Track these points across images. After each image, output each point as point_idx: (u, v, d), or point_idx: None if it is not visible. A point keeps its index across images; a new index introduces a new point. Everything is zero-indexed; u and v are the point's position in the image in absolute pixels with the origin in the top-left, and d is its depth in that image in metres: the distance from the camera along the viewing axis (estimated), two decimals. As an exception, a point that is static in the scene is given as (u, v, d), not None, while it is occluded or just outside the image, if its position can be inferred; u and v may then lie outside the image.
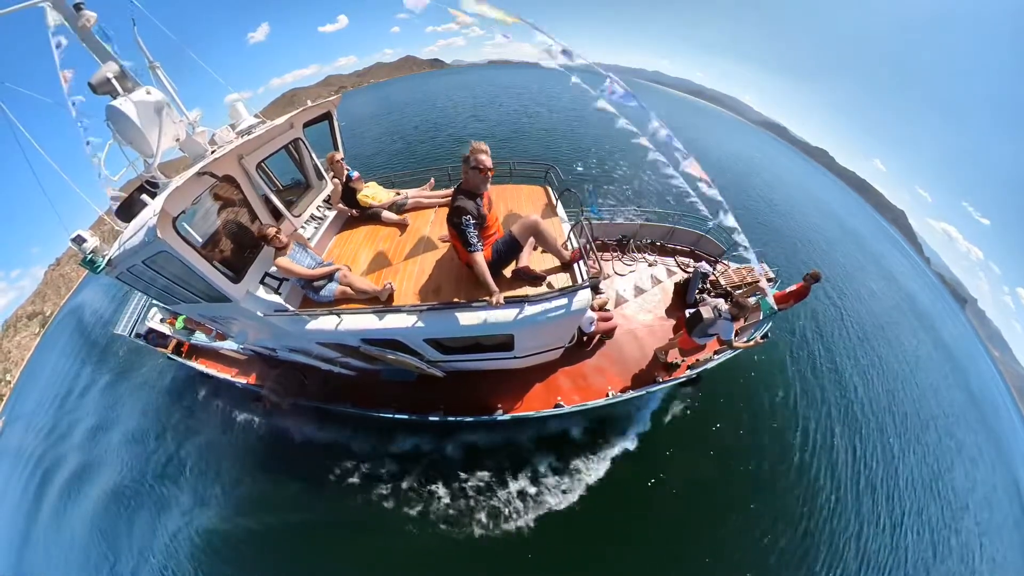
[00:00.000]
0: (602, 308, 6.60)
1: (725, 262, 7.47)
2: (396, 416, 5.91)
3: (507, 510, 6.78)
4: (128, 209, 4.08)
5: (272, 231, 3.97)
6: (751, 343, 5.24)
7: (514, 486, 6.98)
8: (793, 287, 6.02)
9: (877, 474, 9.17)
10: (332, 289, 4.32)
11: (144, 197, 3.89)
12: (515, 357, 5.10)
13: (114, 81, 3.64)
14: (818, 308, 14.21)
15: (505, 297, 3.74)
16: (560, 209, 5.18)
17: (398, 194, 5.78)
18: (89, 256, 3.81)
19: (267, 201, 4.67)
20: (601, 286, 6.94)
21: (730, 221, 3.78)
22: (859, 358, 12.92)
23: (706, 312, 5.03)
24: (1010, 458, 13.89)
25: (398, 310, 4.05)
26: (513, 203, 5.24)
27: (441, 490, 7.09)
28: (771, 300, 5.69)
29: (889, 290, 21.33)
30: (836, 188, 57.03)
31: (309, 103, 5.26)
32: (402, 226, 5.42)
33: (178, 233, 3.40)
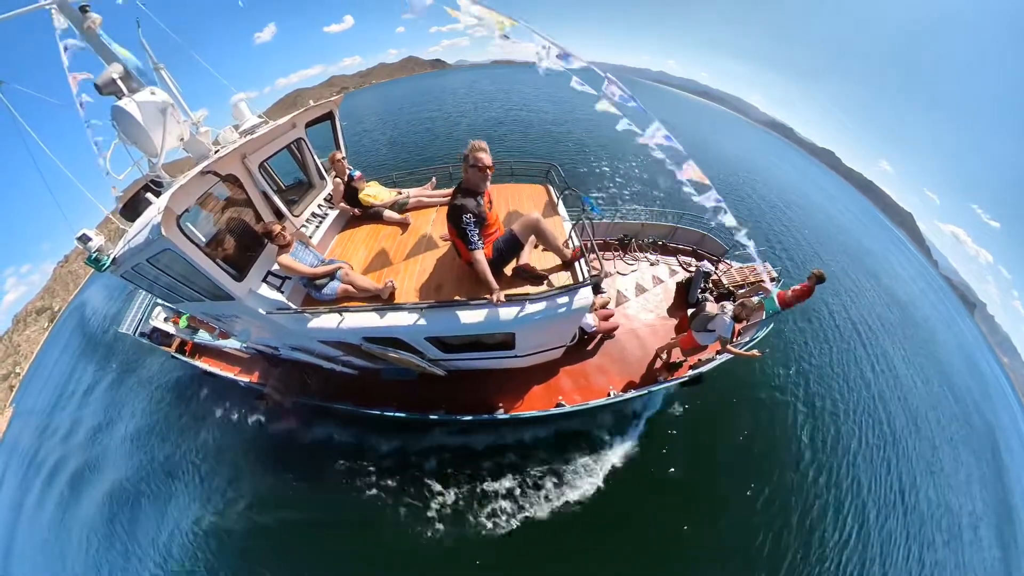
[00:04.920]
0: (604, 307, 6.59)
1: (727, 261, 7.44)
2: (397, 415, 5.93)
3: (507, 510, 6.78)
4: (133, 208, 4.11)
5: (277, 228, 4.00)
6: (746, 352, 5.15)
7: (514, 486, 6.98)
8: (797, 287, 5.98)
9: (880, 477, 9.11)
10: (334, 287, 4.35)
11: (149, 196, 3.93)
12: (516, 356, 5.10)
13: (119, 82, 3.68)
14: (823, 309, 14.11)
15: (506, 295, 3.74)
16: (561, 208, 5.18)
17: (399, 193, 5.80)
18: (94, 254, 3.84)
19: (269, 200, 4.71)
20: (603, 285, 6.92)
21: (731, 221, 3.77)
22: (864, 360, 12.81)
23: (711, 307, 5.02)
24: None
25: (400, 308, 4.07)
26: (514, 202, 5.25)
27: (441, 489, 7.10)
28: (775, 299, 5.66)
29: (895, 294, 21.13)
30: (842, 190, 56.50)
31: (312, 103, 5.29)
32: (403, 225, 5.43)
33: (182, 231, 3.43)
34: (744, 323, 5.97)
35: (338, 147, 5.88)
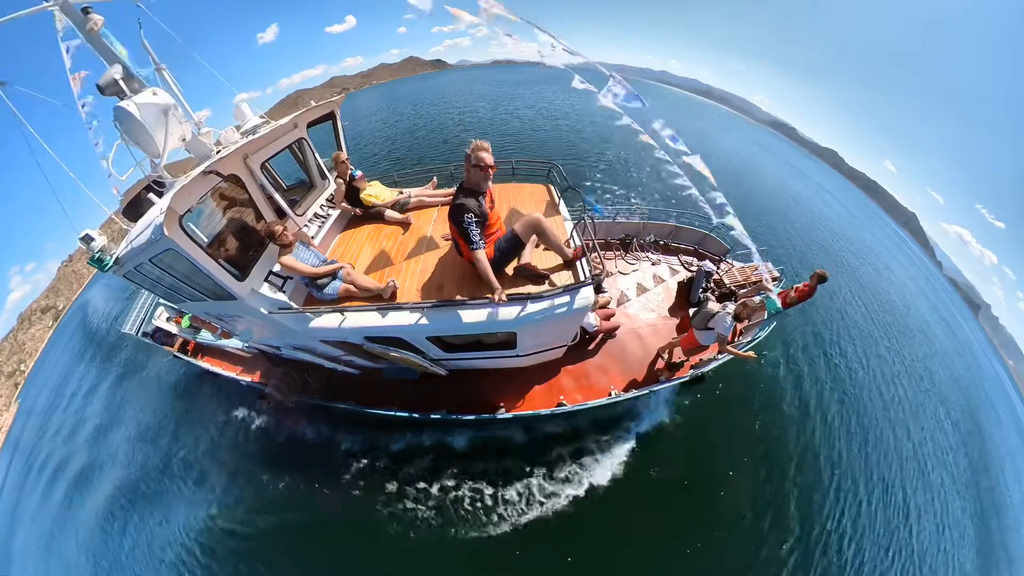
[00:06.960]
0: (605, 307, 6.58)
1: (729, 261, 7.42)
2: (399, 414, 5.94)
3: (508, 510, 6.77)
4: (135, 208, 4.13)
5: (280, 228, 4.00)
6: (743, 353, 5.14)
7: (516, 486, 6.97)
8: (799, 286, 5.95)
9: (882, 479, 9.08)
10: (336, 287, 4.36)
11: (151, 196, 3.95)
12: (517, 355, 5.10)
13: (121, 83, 3.69)
14: (825, 310, 14.05)
15: (507, 295, 3.74)
16: (563, 207, 5.18)
17: (401, 193, 5.81)
18: (97, 255, 3.86)
19: (271, 200, 4.72)
20: (604, 285, 6.92)
21: (733, 220, 3.77)
22: (867, 362, 12.77)
23: (713, 305, 5.01)
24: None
25: (401, 308, 4.07)
26: (516, 201, 5.24)
27: (443, 490, 7.10)
28: (776, 299, 5.65)
29: (900, 297, 21.01)
30: (845, 190, 56.09)
31: (313, 103, 5.30)
32: (405, 225, 5.44)
33: (184, 231, 3.44)
34: (746, 323, 5.96)
35: (339, 147, 5.90)
